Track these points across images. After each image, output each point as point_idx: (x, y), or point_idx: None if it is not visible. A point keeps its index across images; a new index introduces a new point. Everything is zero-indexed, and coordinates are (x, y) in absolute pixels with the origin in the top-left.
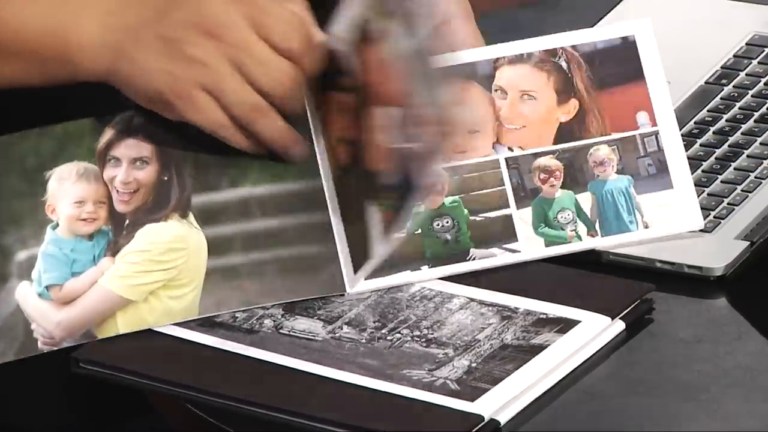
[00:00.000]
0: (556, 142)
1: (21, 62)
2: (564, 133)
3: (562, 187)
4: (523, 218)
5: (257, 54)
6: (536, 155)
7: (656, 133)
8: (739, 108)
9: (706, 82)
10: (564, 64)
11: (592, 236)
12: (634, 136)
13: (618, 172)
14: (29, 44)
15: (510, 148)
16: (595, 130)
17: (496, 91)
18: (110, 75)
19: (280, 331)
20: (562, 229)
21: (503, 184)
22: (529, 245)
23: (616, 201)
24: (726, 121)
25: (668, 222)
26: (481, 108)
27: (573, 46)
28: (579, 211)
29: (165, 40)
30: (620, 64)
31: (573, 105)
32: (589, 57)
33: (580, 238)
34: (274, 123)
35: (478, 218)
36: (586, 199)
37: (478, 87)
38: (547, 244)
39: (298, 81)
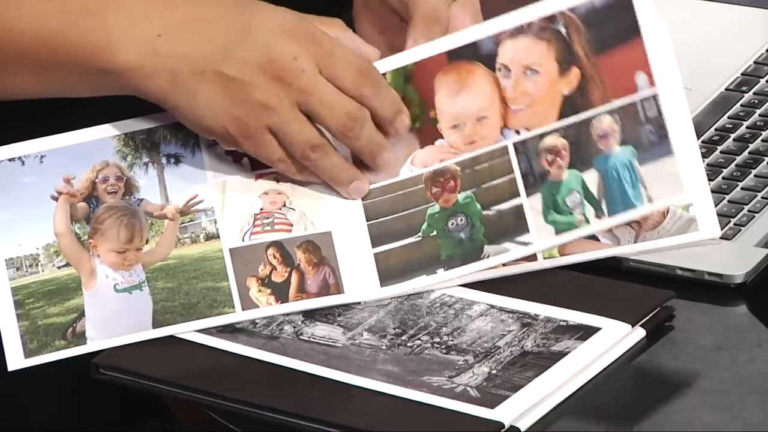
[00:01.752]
0: (560, 118)
1: (60, 74)
2: (567, 107)
3: (569, 166)
4: (533, 207)
5: (325, 98)
6: (542, 136)
7: (655, 96)
8: (760, 115)
9: (726, 89)
10: (563, 30)
11: (599, 218)
12: (635, 103)
13: (621, 143)
14: (65, 56)
15: (517, 131)
16: (597, 99)
17: (499, 69)
18: (166, 101)
19: (300, 337)
20: (571, 214)
21: (512, 172)
22: (540, 236)
23: (621, 177)
24: (746, 128)
25: (672, 194)
26: (487, 91)
27: (571, 9)
28: (586, 192)
29: (229, 80)
30: (617, 23)
31: (574, 74)
32: (587, 19)
33: (588, 221)
34: (333, 161)
35: (490, 213)
36: (592, 179)
37: (483, 68)
38: (557, 231)
39: (365, 122)
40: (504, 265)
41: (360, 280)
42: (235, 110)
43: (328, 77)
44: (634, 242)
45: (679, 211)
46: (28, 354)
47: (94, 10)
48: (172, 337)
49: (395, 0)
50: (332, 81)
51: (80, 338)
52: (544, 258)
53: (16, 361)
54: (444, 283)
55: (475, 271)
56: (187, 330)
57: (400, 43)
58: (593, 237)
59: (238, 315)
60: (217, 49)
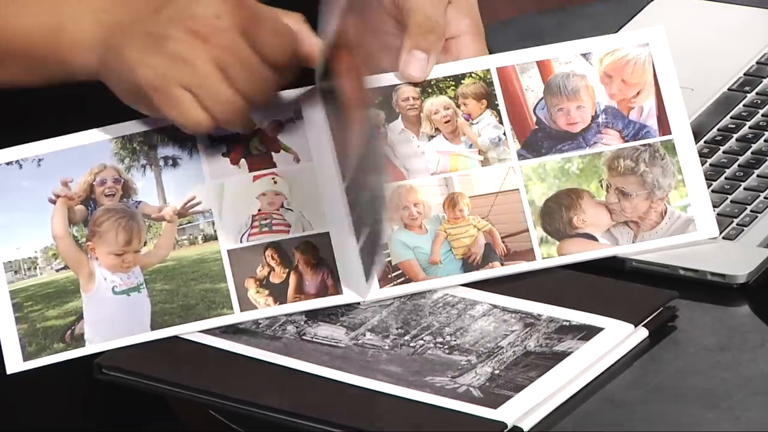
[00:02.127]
0: None
1: (20, 64)
2: None
3: None
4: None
5: (243, 59)
6: None
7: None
8: (762, 115)
9: (728, 89)
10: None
11: None
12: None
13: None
14: (28, 45)
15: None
16: None
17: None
18: (100, 71)
19: (303, 337)
20: None
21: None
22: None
23: None
24: (749, 128)
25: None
26: None
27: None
28: None
29: (152, 36)
30: None
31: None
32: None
33: None
34: (247, 121)
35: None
36: None
37: None
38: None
39: (276, 87)
40: (502, 264)
41: (358, 280)
42: (151, 60)
43: (251, 44)
44: (633, 242)
45: (677, 211)
46: (26, 357)
47: None
48: (174, 337)
49: (389, 3)
50: (254, 47)
51: (79, 341)
52: (543, 258)
53: (14, 364)
54: (441, 283)
55: (473, 272)
56: (185, 332)
57: (396, 47)
58: (592, 237)
59: (236, 316)
60: (148, 12)
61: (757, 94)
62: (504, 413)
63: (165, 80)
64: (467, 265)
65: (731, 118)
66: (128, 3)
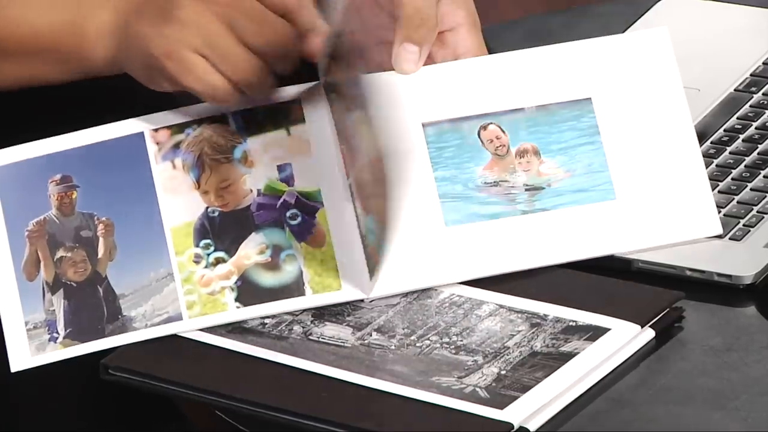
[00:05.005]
0: None
1: (43, 60)
2: None
3: None
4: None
5: (249, 11)
6: None
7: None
8: None
9: (735, 90)
10: None
11: None
12: None
13: None
14: (50, 41)
15: None
16: None
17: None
18: (118, 57)
19: (309, 337)
20: None
21: None
22: None
23: None
24: (755, 128)
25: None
26: None
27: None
28: None
29: (161, 7)
30: None
31: None
32: None
33: None
34: (266, 83)
35: None
36: None
37: None
38: None
39: (292, 39)
40: None
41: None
42: (162, 31)
43: None
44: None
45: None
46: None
47: None
48: (180, 337)
49: None
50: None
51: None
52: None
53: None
54: (438, 281)
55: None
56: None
57: (391, 41)
58: None
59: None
60: None
61: (763, 94)
62: (510, 414)
63: (177, 46)
64: None
65: (738, 118)
66: None
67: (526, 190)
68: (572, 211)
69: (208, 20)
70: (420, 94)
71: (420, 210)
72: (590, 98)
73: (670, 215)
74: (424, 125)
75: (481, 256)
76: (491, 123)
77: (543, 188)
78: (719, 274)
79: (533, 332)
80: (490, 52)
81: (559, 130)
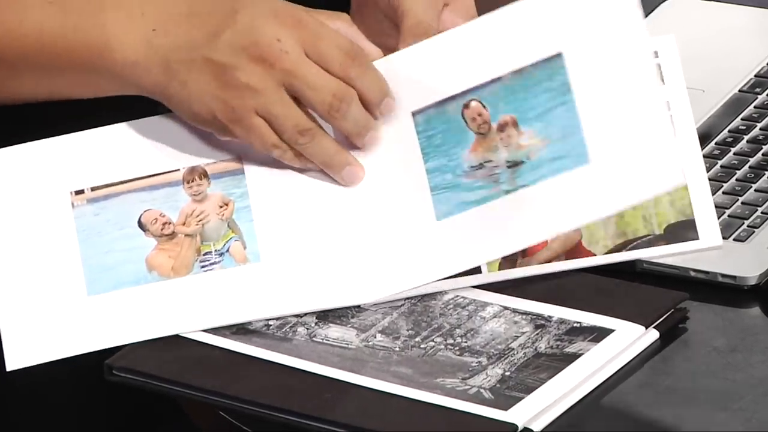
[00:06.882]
0: None
1: (67, 79)
2: None
3: None
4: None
5: (309, 78)
6: None
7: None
8: None
9: (740, 91)
10: None
11: None
12: None
13: None
14: (73, 63)
15: None
16: None
17: None
18: (159, 93)
19: (314, 339)
20: None
21: None
22: None
23: None
24: (760, 129)
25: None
26: None
27: None
28: None
29: (216, 65)
30: None
31: None
32: None
33: None
34: (324, 145)
35: None
36: None
37: None
38: None
39: (351, 101)
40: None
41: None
42: (222, 94)
43: (314, 58)
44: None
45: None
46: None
47: (92, 10)
48: (185, 338)
49: (385, 4)
50: (318, 62)
51: None
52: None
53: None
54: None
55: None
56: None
57: (394, 48)
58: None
59: None
60: (205, 36)
61: None
62: (515, 415)
63: (240, 113)
64: None
65: (742, 119)
66: (180, 23)
67: (508, 167)
68: (550, 183)
69: (269, 86)
70: (403, 80)
71: (412, 206)
72: (561, 53)
73: (640, 174)
74: (413, 114)
75: (471, 246)
76: (472, 99)
77: (523, 162)
78: (723, 275)
79: (537, 333)
80: None
81: (534, 94)
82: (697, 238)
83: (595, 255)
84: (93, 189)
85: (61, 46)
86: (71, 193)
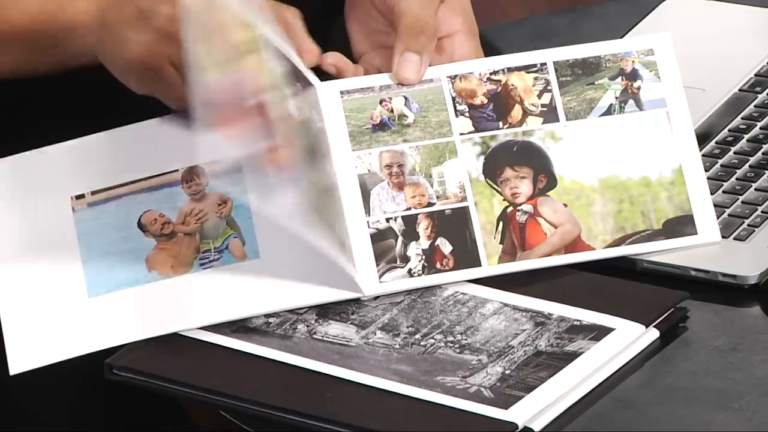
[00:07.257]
0: None
1: (22, 48)
2: None
3: None
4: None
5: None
6: None
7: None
8: None
9: (740, 90)
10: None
11: None
12: None
13: None
14: (29, 29)
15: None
16: None
17: None
18: (97, 50)
19: (314, 336)
20: None
21: None
22: None
23: None
24: (760, 128)
25: None
26: None
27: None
28: None
29: (141, 11)
30: None
31: None
32: None
33: None
34: None
35: None
36: None
37: None
38: None
39: None
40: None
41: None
42: (142, 37)
43: None
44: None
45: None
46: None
47: None
48: (185, 337)
49: (380, 3)
50: None
51: None
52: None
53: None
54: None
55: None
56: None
57: (389, 45)
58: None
59: None
60: None
61: None
62: (515, 414)
63: (154, 57)
64: None
65: (742, 118)
66: None
67: None
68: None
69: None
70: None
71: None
72: None
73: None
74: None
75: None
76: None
77: None
78: (724, 274)
79: (538, 331)
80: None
81: None
82: (696, 234)
83: (594, 249)
84: (93, 193)
85: (21, 16)
86: (72, 197)
